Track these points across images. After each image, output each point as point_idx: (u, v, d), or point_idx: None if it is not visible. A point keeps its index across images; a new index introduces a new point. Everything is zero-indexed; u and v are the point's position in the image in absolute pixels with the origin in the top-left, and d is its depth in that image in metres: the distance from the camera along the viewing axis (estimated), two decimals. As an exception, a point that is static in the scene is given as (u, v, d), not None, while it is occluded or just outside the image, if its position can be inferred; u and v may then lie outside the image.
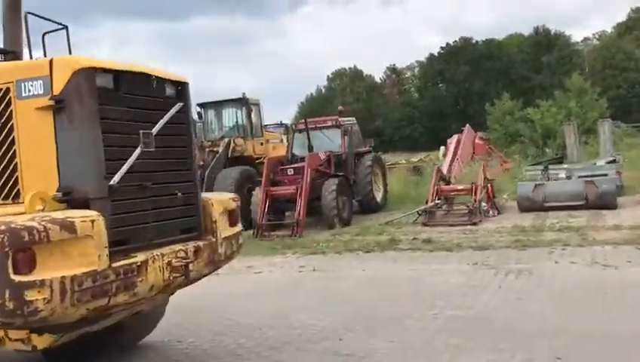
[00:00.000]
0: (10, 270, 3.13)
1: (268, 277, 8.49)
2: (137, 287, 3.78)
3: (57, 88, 3.74)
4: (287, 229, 12.13)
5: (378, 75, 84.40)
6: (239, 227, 5.16)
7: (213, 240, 4.61)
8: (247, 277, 8.64)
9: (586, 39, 78.69)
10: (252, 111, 16.81)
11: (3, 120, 3.88)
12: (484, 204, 12.94)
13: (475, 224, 11.56)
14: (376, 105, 78.64)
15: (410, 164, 25.70)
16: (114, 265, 3.61)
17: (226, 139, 15.68)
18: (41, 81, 3.79)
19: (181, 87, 4.56)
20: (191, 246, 4.33)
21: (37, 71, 3.82)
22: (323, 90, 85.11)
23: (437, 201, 12.80)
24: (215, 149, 15.34)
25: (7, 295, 3.12)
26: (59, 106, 3.73)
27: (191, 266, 4.22)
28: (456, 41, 76.91)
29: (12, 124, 3.87)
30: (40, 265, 3.26)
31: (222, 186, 13.90)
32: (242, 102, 16.69)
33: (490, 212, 12.90)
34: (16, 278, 3.14)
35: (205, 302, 7.15)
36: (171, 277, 4.07)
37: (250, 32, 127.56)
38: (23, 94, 3.84)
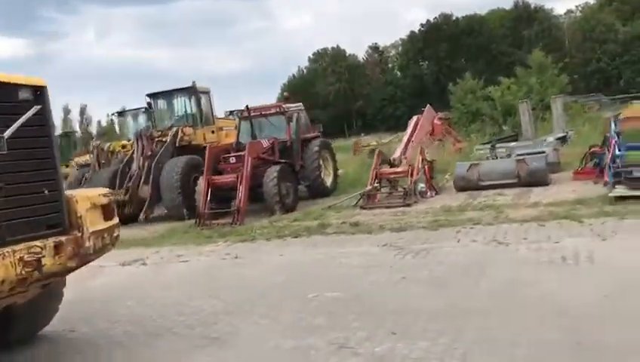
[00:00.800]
0: None
1: (190, 266, 8.74)
2: (-19, 282, 4.02)
3: None
4: (229, 217, 12.35)
5: (361, 55, 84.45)
6: (114, 221, 5.37)
7: (79, 234, 4.84)
8: (172, 266, 8.90)
9: (569, 11, 78.92)
10: (201, 99, 17.05)
11: None
12: (422, 185, 13.21)
13: (408, 205, 11.77)
14: (359, 85, 78.76)
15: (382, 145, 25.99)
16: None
17: (174, 129, 15.87)
18: None
19: (39, 91, 4.75)
20: (50, 241, 4.55)
21: None
22: (304, 70, 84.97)
23: (375, 185, 13.07)
24: (164, 139, 15.51)
25: None
26: None
27: (45, 261, 4.46)
28: (436, 17, 76.94)
29: None
30: None
31: (168, 175, 14.16)
32: (191, 91, 16.94)
33: (429, 193, 13.16)
34: None
35: (119, 292, 7.46)
36: (24, 272, 4.31)
37: (235, 13, 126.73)
38: None
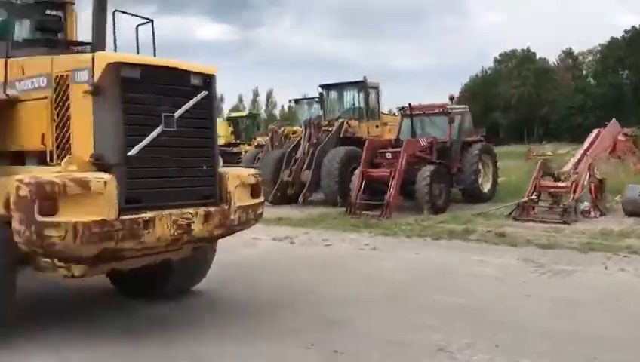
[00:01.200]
0: (37, 213, 4.29)
1: (331, 250, 9.26)
2: (144, 237, 4.79)
3: (96, 77, 4.84)
4: (379, 210, 12.69)
5: (552, 59, 79.60)
6: (260, 199, 5.98)
7: (226, 207, 5.50)
8: (316, 248, 9.51)
9: None
10: (370, 94, 17.66)
11: (64, 99, 5.09)
12: (586, 203, 12.40)
13: (565, 223, 11.11)
14: (545, 91, 74.37)
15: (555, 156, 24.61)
16: (122, 217, 4.65)
17: (340, 120, 16.61)
18: (86, 71, 4.91)
19: (209, 79, 5.46)
20: (201, 210, 5.25)
21: (85, 63, 4.94)
22: (488, 71, 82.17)
23: (532, 197, 12.48)
24: (330, 129, 16.33)
25: (33, 229, 4.29)
26: (95, 92, 4.83)
27: (194, 226, 5.15)
28: None
29: (68, 103, 5.07)
30: (61, 211, 4.39)
31: (329, 164, 14.88)
32: (361, 85, 17.59)
33: (592, 213, 12.29)
34: (40, 219, 4.30)
35: (264, 263, 8.24)
36: (176, 233, 5.04)
37: (429, 8, 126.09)
38: (76, 80, 5.00)
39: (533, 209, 12.50)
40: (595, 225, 10.96)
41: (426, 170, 13.26)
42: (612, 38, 72.60)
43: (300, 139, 16.55)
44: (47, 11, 6.09)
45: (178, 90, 5.20)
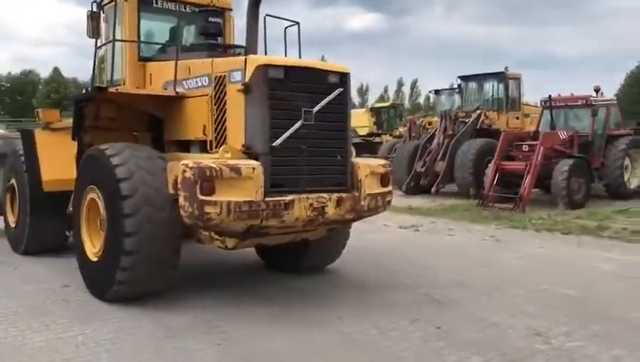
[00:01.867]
0: (198, 192, 5.16)
1: (454, 240, 9.56)
2: (284, 217, 5.51)
3: (247, 77, 5.63)
4: (512, 203, 12.62)
5: None
6: (388, 188, 6.48)
7: (357, 194, 6.07)
8: (439, 236, 9.87)
9: None
10: (510, 85, 17.44)
11: (222, 96, 5.95)
12: None
13: None
14: None
15: None
16: (267, 199, 5.40)
17: (478, 112, 16.60)
18: (239, 72, 5.73)
19: (344, 77, 6.05)
20: (334, 196, 5.87)
21: (238, 65, 5.76)
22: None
23: None
24: (466, 120, 16.37)
25: (195, 206, 5.16)
26: (246, 90, 5.62)
27: (328, 210, 5.78)
28: None
29: (225, 100, 5.92)
30: (217, 192, 5.22)
31: (463, 155, 14.98)
32: (501, 76, 17.48)
33: None
34: (201, 197, 5.16)
35: (388, 248, 8.76)
36: (312, 215, 5.70)
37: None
38: (231, 80, 5.84)
39: None
40: None
41: (564, 164, 13.04)
42: None
43: (436, 131, 16.77)
44: (210, 18, 7.00)
45: (316, 88, 5.85)
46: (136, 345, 4.76)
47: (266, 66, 5.58)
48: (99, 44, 7.24)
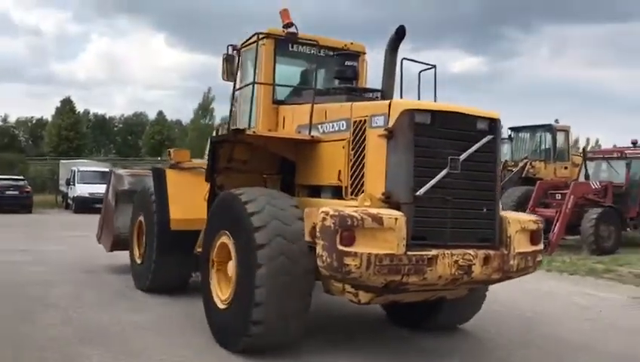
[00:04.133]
0: (338, 242, 4.81)
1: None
2: (427, 274, 5.03)
3: (391, 122, 5.29)
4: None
5: None
6: (540, 246, 5.83)
7: (506, 252, 5.48)
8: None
9: None
10: (558, 136, 18.33)
11: (361, 141, 5.65)
12: None
13: None
14: None
15: None
16: (409, 253, 4.96)
17: (525, 161, 17.68)
18: (382, 117, 5.40)
19: (493, 123, 5.56)
20: (481, 253, 5.31)
21: (381, 109, 5.44)
22: None
23: None
24: (513, 169, 17.54)
25: (334, 257, 4.81)
26: (390, 135, 5.27)
27: (474, 268, 5.23)
28: None
29: (364, 145, 5.61)
30: (357, 242, 4.84)
31: (505, 201, 15.42)
32: (549, 128, 18.36)
33: None
34: (341, 247, 4.80)
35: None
36: (457, 273, 5.17)
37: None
38: (373, 125, 5.53)
39: None
40: None
41: (593, 213, 13.99)
42: None
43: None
44: (347, 62, 6.82)
45: (464, 135, 5.40)
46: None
47: (412, 111, 5.22)
48: (237, 87, 7.23)
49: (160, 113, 67.64)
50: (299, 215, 5.49)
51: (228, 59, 8.02)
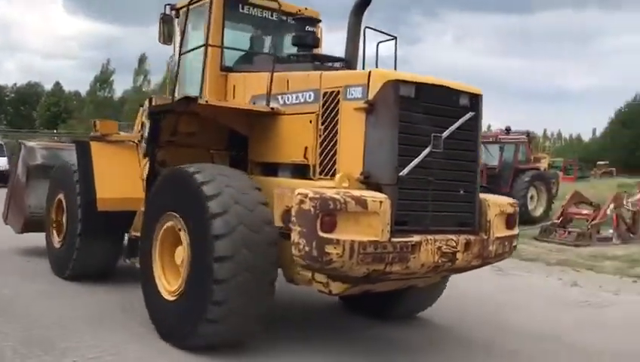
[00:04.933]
0: (318, 228, 4.23)
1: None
2: (410, 262, 4.58)
3: (371, 94, 4.74)
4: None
5: None
6: (515, 231, 5.54)
7: (485, 237, 5.12)
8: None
9: None
10: None
11: (332, 115, 5.07)
12: (611, 231, 13.74)
13: (577, 246, 12.87)
14: None
15: None
16: (393, 239, 4.47)
17: None
18: (360, 88, 4.84)
19: (475, 99, 5.15)
20: (462, 238, 4.93)
21: (359, 79, 4.87)
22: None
23: (555, 221, 14.31)
24: None
25: (313, 245, 4.22)
26: (370, 109, 4.72)
27: (458, 255, 4.84)
28: None
29: (337, 119, 5.03)
30: (338, 228, 4.30)
31: None
32: None
33: (614, 240, 13.48)
34: (321, 234, 4.23)
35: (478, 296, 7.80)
36: (440, 261, 4.75)
37: (601, 27, 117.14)
38: (348, 97, 4.95)
39: (553, 231, 13.97)
40: (608, 251, 12.25)
41: None
42: None
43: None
44: (307, 27, 6.18)
45: (447, 110, 4.97)
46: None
47: (397, 82, 4.70)
48: (182, 50, 6.38)
49: (57, 84, 63.49)
50: (261, 199, 4.87)
51: (165, 20, 7.17)
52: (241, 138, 6.16)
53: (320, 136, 5.15)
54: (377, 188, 4.63)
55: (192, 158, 5.83)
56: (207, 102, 5.53)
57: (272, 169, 5.76)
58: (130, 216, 6.72)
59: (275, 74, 5.68)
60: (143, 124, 7.55)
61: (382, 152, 4.68)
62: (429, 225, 4.83)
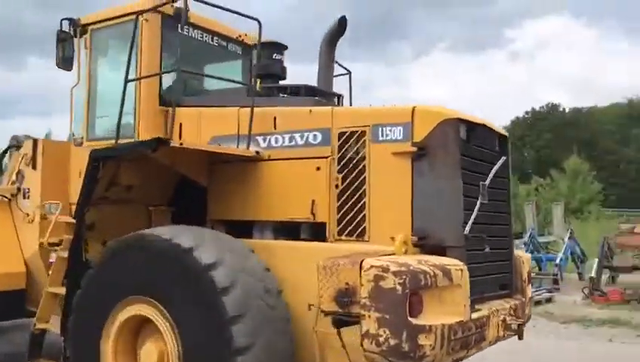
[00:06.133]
0: (408, 313, 3.16)
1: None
2: (484, 341, 3.70)
3: (419, 135, 3.82)
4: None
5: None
6: (530, 288, 4.94)
7: (523, 300, 4.44)
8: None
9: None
10: None
11: (356, 161, 4.03)
12: None
13: None
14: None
15: None
16: (472, 316, 3.56)
17: None
18: (400, 128, 3.89)
19: (504, 141, 4.52)
20: (512, 304, 4.19)
21: (398, 117, 3.92)
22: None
23: None
24: None
25: (404, 336, 3.13)
26: (419, 153, 3.80)
27: (514, 326, 4.07)
28: (542, 107, 66.95)
29: (363, 165, 4.01)
30: (425, 310, 3.28)
31: None
32: None
33: None
34: (413, 321, 3.16)
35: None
36: (505, 335, 3.95)
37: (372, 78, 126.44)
38: (380, 138, 3.97)
39: None
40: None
41: None
42: (516, 117, 66.53)
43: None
44: (275, 55, 5.07)
45: (487, 155, 4.24)
46: None
47: (457, 121, 3.85)
48: (129, 78, 4.74)
49: None
50: (264, 265, 3.83)
51: (65, 39, 5.50)
52: (191, 191, 4.79)
53: (337, 187, 4.07)
54: (438, 251, 3.69)
55: (127, 219, 4.51)
56: (180, 144, 4.10)
57: (244, 229, 4.48)
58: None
59: (249, 110, 4.47)
60: (19, 173, 5.88)
61: (442, 207, 3.76)
62: (484, 292, 4.01)
